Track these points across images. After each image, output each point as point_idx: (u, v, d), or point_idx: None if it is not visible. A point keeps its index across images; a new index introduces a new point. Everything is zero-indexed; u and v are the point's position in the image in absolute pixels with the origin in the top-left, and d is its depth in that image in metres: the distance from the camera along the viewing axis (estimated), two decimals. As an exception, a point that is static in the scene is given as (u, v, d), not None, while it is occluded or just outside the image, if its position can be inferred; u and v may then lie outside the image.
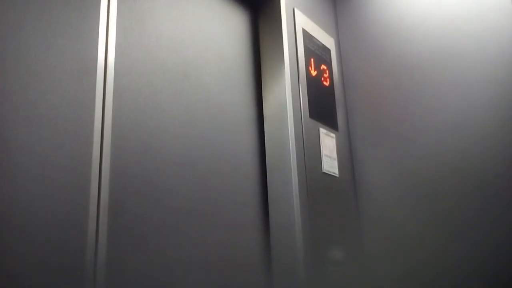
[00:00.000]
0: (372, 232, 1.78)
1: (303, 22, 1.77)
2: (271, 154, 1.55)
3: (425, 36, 1.80)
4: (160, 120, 1.22)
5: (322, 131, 1.69)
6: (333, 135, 1.76)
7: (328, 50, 1.90)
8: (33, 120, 0.90)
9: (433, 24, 1.79)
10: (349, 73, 1.99)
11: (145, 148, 1.16)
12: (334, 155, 1.74)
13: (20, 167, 0.86)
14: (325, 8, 2.01)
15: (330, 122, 1.77)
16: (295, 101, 1.58)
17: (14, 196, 0.84)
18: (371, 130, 1.87)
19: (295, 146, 1.52)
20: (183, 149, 1.27)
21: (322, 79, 1.80)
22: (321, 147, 1.66)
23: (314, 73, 1.74)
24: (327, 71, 1.84)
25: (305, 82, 1.67)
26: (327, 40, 1.92)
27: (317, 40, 1.83)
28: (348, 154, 1.86)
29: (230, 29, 1.59)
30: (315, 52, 1.79)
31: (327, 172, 1.66)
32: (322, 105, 1.74)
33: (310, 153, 1.59)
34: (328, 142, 1.71)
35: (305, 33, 1.75)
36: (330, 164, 1.69)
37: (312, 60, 1.75)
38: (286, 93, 1.56)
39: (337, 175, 1.72)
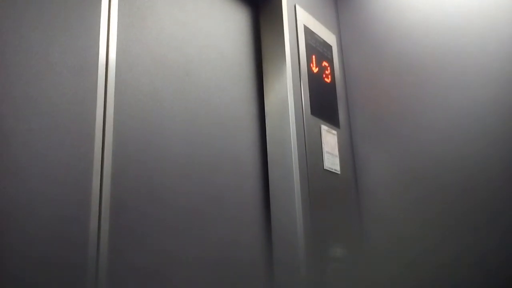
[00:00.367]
0: (374, 229, 1.77)
1: (305, 18, 1.76)
2: (272, 151, 1.55)
3: (427, 32, 1.79)
4: (161, 117, 1.22)
5: (324, 128, 1.69)
6: (335, 132, 1.76)
7: (330, 47, 1.90)
8: (34, 117, 0.90)
9: (435, 20, 1.78)
10: (350, 70, 1.99)
11: (146, 145, 1.16)
12: (336, 152, 1.73)
13: (21, 164, 0.86)
14: (326, 4, 2.00)
15: (332, 119, 1.76)
16: (296, 98, 1.58)
17: (16, 194, 0.84)
18: (373, 127, 1.87)
19: (296, 143, 1.52)
20: (185, 146, 1.27)
21: (324, 76, 1.79)
22: (322, 144, 1.66)
23: (315, 69, 1.74)
24: (328, 68, 1.84)
25: (307, 79, 1.66)
26: (328, 36, 1.91)
27: (318, 36, 1.83)
28: (349, 151, 1.86)
29: (231, 26, 1.59)
30: (317, 48, 1.79)
31: (328, 169, 1.65)
32: (323, 102, 1.74)
33: (311, 150, 1.58)
34: (329, 139, 1.71)
35: (307, 30, 1.75)
36: (331, 161, 1.69)
37: (313, 56, 1.75)
38: (287, 90, 1.55)
39: (339, 172, 1.72)
